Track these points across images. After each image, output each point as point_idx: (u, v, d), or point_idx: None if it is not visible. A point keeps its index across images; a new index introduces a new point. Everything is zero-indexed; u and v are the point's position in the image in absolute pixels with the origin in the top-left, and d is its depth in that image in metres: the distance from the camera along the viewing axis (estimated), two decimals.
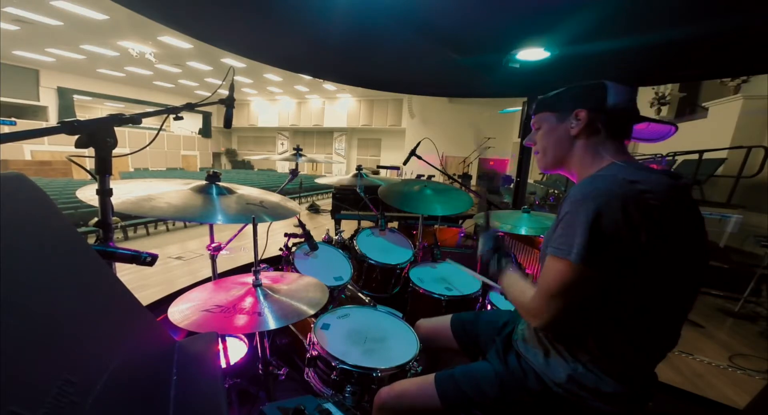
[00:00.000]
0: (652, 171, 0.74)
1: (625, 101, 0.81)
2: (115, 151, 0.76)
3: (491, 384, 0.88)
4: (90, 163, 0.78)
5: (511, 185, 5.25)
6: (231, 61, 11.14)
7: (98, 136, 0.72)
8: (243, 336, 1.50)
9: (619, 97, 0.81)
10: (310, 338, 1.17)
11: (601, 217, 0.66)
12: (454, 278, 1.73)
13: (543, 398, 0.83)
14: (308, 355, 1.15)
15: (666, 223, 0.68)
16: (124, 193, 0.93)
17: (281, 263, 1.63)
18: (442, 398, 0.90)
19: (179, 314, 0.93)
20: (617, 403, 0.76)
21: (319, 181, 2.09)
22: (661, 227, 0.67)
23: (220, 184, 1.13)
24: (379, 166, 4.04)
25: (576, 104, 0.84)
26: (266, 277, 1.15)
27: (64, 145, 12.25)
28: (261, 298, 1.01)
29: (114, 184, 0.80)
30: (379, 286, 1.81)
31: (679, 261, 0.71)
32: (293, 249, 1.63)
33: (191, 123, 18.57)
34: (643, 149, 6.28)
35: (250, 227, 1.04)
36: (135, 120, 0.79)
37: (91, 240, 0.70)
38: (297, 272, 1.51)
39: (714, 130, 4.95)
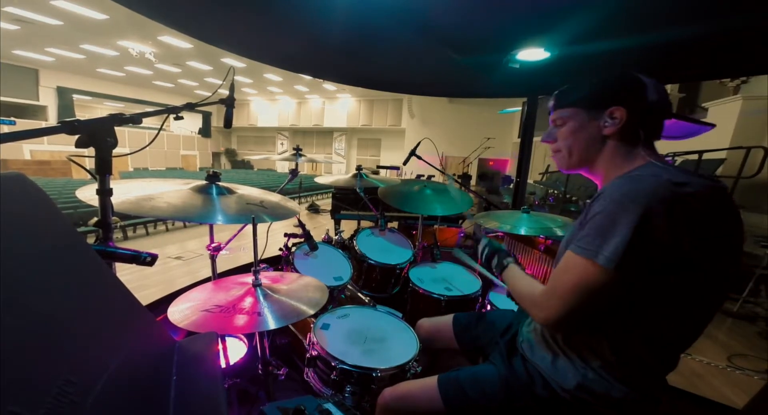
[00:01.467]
0: (693, 173, 0.69)
1: (663, 98, 0.75)
2: (115, 151, 0.76)
3: (496, 388, 0.86)
4: (90, 163, 0.78)
5: (511, 185, 5.25)
6: (231, 61, 11.14)
7: (98, 136, 0.72)
8: (243, 336, 1.49)
9: (658, 93, 0.74)
10: (309, 338, 1.17)
11: (644, 221, 0.61)
12: (453, 278, 1.73)
13: (550, 404, 0.80)
14: (308, 355, 1.15)
15: (711, 230, 0.63)
16: (124, 193, 0.92)
17: (281, 263, 1.62)
18: (445, 401, 0.88)
19: (179, 314, 0.93)
20: (626, 409, 0.74)
21: (319, 180, 2.08)
22: (706, 235, 0.63)
23: (220, 184, 1.12)
24: (379, 167, 4.05)
25: (610, 101, 0.76)
26: (266, 277, 1.15)
27: (63, 145, 12.24)
28: (261, 298, 1.01)
29: (114, 184, 0.80)
30: (379, 286, 1.81)
31: (716, 270, 0.66)
32: (293, 249, 1.63)
33: (191, 123, 18.55)
34: None
35: (249, 227, 1.04)
36: (135, 120, 0.79)
37: (91, 240, 0.70)
38: (297, 272, 1.50)
39: (713, 130, 4.94)
